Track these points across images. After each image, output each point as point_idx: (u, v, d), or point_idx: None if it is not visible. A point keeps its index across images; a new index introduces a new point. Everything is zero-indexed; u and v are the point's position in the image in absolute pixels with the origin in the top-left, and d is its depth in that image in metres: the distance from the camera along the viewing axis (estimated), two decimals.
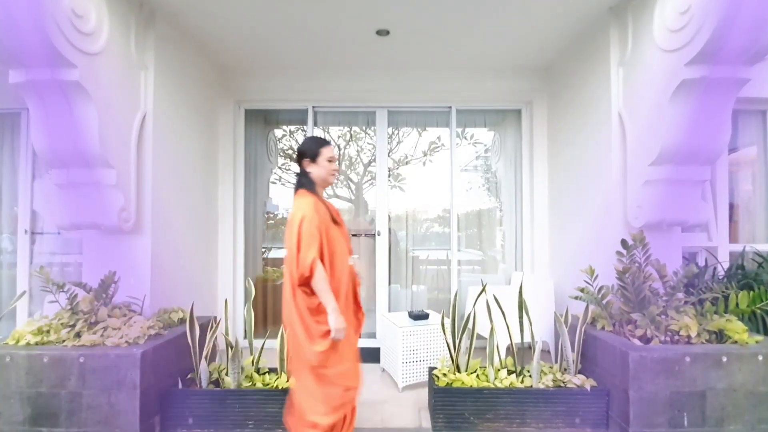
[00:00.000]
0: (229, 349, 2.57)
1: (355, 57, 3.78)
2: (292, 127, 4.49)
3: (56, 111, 2.34)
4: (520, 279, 3.13)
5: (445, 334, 2.82)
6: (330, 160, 2.07)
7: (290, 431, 2.03)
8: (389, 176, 4.33)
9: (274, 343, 2.75)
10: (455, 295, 2.87)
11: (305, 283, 1.90)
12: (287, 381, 2.58)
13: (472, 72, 4.02)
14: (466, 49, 3.62)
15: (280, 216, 4.62)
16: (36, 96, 2.30)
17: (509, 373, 2.69)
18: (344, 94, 4.10)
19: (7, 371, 2.26)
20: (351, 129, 4.47)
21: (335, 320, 1.86)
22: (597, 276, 2.69)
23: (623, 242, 2.62)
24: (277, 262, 4.57)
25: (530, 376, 2.63)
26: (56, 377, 2.26)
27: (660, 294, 2.58)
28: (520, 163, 4.23)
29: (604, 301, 2.69)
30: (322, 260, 1.90)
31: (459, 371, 2.69)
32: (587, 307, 2.69)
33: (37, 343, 2.37)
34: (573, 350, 2.67)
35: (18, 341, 2.39)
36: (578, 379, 2.55)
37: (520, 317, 2.74)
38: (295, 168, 4.46)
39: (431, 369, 2.74)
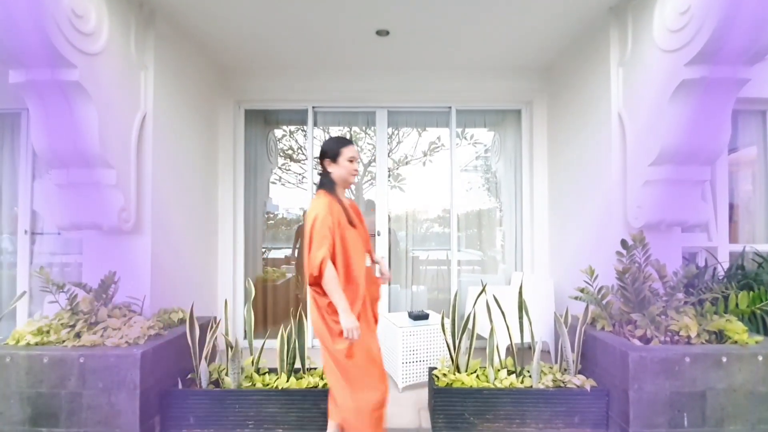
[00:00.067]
0: (229, 349, 2.57)
1: (355, 57, 3.78)
2: (292, 127, 4.49)
3: (56, 111, 2.34)
4: (520, 279, 3.13)
5: (445, 334, 2.82)
6: (350, 160, 2.06)
7: (329, 417, 2.10)
8: (389, 176, 4.33)
9: (274, 344, 2.75)
10: (455, 296, 2.87)
11: (315, 283, 1.92)
12: (286, 380, 2.58)
13: (472, 72, 4.02)
14: (466, 49, 3.62)
15: (280, 216, 4.62)
16: (36, 96, 2.30)
17: (509, 373, 2.69)
18: (344, 94, 4.10)
19: (7, 371, 2.27)
20: (351, 129, 4.47)
21: (346, 320, 1.84)
22: (597, 276, 2.69)
23: (623, 242, 2.62)
24: (277, 263, 4.57)
25: (530, 376, 2.63)
26: (56, 377, 2.26)
27: (660, 294, 2.58)
28: (520, 163, 4.23)
29: (604, 302, 2.69)
30: (334, 261, 1.91)
31: (459, 371, 2.69)
32: (587, 308, 2.69)
33: (37, 344, 2.37)
34: (573, 350, 2.67)
35: (18, 341, 2.39)
36: (578, 380, 2.55)
37: (520, 317, 2.74)
38: (295, 168, 4.52)
39: (431, 369, 2.74)
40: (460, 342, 2.73)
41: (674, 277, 2.54)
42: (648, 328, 2.43)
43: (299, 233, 4.39)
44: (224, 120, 4.03)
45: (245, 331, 2.79)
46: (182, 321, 2.86)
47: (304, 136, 4.36)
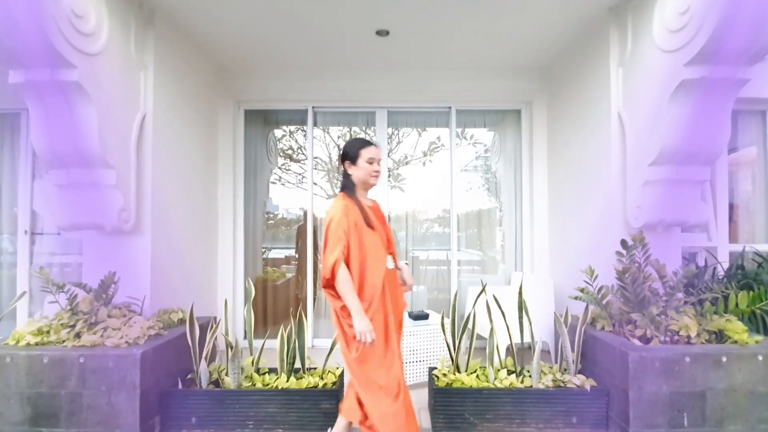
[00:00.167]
0: (229, 349, 2.57)
1: (355, 57, 3.78)
2: (292, 128, 4.49)
3: (56, 111, 2.34)
4: (520, 279, 3.13)
5: (444, 334, 2.82)
6: (370, 162, 2.02)
7: (340, 412, 2.10)
8: (389, 176, 4.33)
9: (274, 344, 2.75)
10: (455, 296, 2.87)
11: (328, 285, 1.93)
12: (286, 380, 2.58)
13: (472, 72, 4.02)
14: (466, 49, 3.62)
15: (280, 216, 4.62)
16: (36, 96, 2.30)
17: (509, 373, 2.69)
18: (344, 95, 4.10)
19: (7, 372, 2.26)
20: (351, 129, 4.47)
21: (359, 322, 1.83)
22: (597, 276, 2.69)
23: (623, 242, 2.62)
24: (277, 263, 4.57)
25: (530, 376, 2.63)
26: (56, 378, 2.26)
27: (660, 294, 2.58)
28: (520, 163, 4.24)
29: (603, 302, 2.69)
30: (348, 264, 1.91)
31: (459, 371, 2.69)
32: (587, 308, 2.69)
33: (37, 344, 2.37)
34: (573, 350, 2.67)
35: (18, 342, 2.39)
36: (578, 380, 2.55)
37: (520, 317, 2.74)
38: (295, 168, 4.52)
39: (431, 369, 2.74)
40: (460, 342, 2.73)
41: (674, 277, 2.54)
42: (648, 328, 2.43)
43: (300, 233, 4.39)
44: (224, 120, 4.03)
45: (245, 331, 2.79)
46: (182, 321, 2.86)
47: (304, 136, 4.36)
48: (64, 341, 2.39)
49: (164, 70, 2.99)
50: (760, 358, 2.26)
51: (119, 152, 2.62)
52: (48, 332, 2.44)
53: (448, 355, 2.79)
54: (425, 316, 3.28)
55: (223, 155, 4.03)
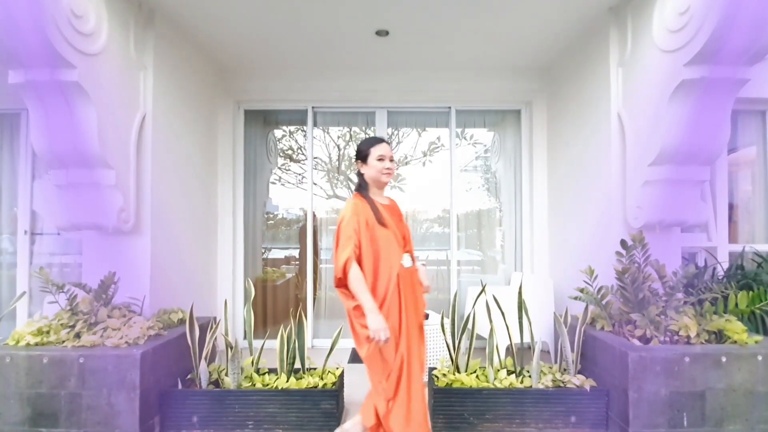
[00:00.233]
0: (229, 349, 2.57)
1: (355, 57, 3.78)
2: (292, 128, 4.49)
3: (56, 111, 2.34)
4: (520, 279, 3.13)
5: (444, 334, 2.82)
6: (380, 159, 2.02)
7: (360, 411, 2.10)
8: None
9: (273, 344, 2.75)
10: (455, 296, 2.87)
11: (340, 285, 1.94)
12: (286, 381, 2.58)
13: (471, 72, 4.02)
14: (466, 50, 3.62)
15: (279, 216, 4.62)
16: (35, 96, 2.30)
17: (509, 373, 2.69)
18: (344, 95, 4.10)
19: (7, 372, 2.26)
20: (351, 129, 4.47)
21: (373, 320, 1.81)
22: (596, 276, 2.69)
23: (622, 243, 2.62)
24: (277, 263, 4.57)
25: (530, 376, 2.63)
26: (56, 378, 2.26)
27: (659, 294, 2.58)
28: (520, 163, 4.24)
29: (603, 302, 2.69)
30: (360, 262, 1.91)
31: (458, 371, 2.69)
32: (587, 308, 2.69)
33: (36, 344, 2.36)
34: (572, 350, 2.67)
35: (18, 342, 2.39)
36: (578, 380, 2.55)
37: (520, 318, 2.74)
38: (295, 168, 4.52)
39: (431, 369, 2.74)
40: (459, 342, 2.73)
41: (674, 277, 2.54)
42: (647, 328, 2.43)
43: (302, 234, 4.38)
44: (224, 120, 4.03)
45: (245, 331, 2.79)
46: (182, 321, 2.86)
47: (304, 136, 4.36)
48: (63, 341, 2.39)
49: (164, 70, 2.99)
50: (760, 358, 2.26)
51: (119, 152, 2.62)
52: (48, 332, 2.44)
53: (448, 355, 2.79)
54: (425, 316, 3.27)
55: (223, 155, 4.03)
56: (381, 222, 1.99)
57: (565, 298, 3.23)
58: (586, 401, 2.47)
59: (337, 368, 2.73)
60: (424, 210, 4.49)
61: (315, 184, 4.29)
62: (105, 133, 2.46)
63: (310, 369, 2.74)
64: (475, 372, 2.70)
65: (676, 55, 2.36)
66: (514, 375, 2.66)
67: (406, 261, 2.04)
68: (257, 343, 2.88)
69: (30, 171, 3.64)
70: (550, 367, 2.74)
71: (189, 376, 2.65)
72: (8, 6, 1.96)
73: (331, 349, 2.75)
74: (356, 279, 1.87)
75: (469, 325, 2.72)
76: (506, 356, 2.95)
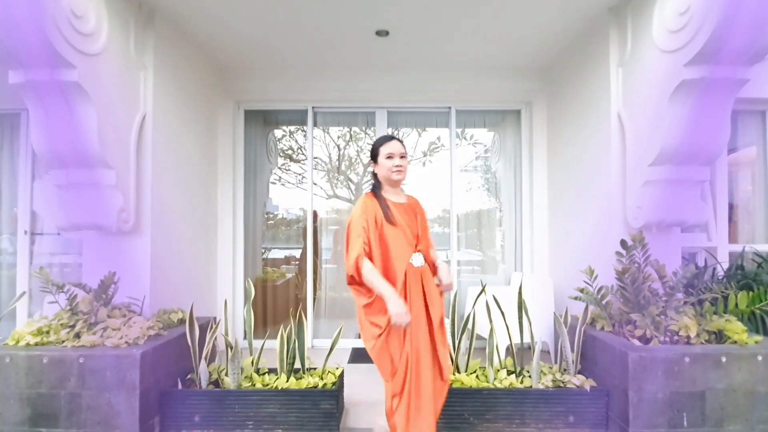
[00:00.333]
0: (229, 349, 2.57)
1: (355, 57, 3.78)
2: (292, 128, 4.49)
3: (56, 111, 2.34)
4: (520, 279, 3.13)
5: None
6: (389, 157, 2.02)
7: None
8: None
9: (273, 344, 2.75)
10: (455, 296, 2.86)
11: (353, 282, 1.96)
12: (286, 381, 2.58)
13: (471, 72, 4.02)
14: (466, 50, 3.62)
15: (279, 216, 4.62)
16: (35, 96, 2.30)
17: (509, 373, 2.69)
18: (344, 95, 4.10)
19: (7, 372, 2.26)
20: (351, 129, 4.47)
21: (393, 305, 1.82)
22: (596, 276, 2.69)
23: (623, 243, 2.62)
24: (277, 263, 4.57)
25: (530, 376, 2.63)
26: (56, 378, 2.26)
27: (659, 294, 2.58)
28: (520, 163, 4.24)
29: (603, 302, 2.69)
30: (369, 259, 1.94)
31: (459, 372, 2.69)
32: (587, 308, 2.69)
33: (36, 344, 2.36)
34: (572, 350, 2.67)
35: (18, 342, 2.39)
36: (578, 380, 2.55)
37: (520, 318, 2.74)
38: (295, 168, 4.52)
39: None
40: (459, 342, 2.73)
41: (674, 277, 2.54)
42: (647, 328, 2.43)
43: (303, 234, 4.38)
44: (224, 120, 4.03)
45: (245, 331, 2.79)
46: (182, 321, 2.86)
47: (304, 136, 4.36)
48: (63, 341, 2.39)
49: (164, 70, 2.99)
50: (760, 358, 2.26)
51: (119, 152, 2.62)
52: (47, 332, 2.44)
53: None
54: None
55: (222, 155, 4.03)
56: (390, 220, 2.00)
57: (565, 298, 3.23)
58: (586, 401, 2.47)
59: (337, 368, 2.73)
60: (424, 210, 4.49)
61: (315, 184, 4.29)
62: (105, 133, 2.46)
63: (310, 369, 2.74)
64: (475, 372, 2.70)
65: (676, 55, 2.36)
66: (514, 375, 2.66)
67: (416, 260, 2.04)
68: (257, 343, 2.88)
69: (30, 171, 3.64)
70: (550, 367, 2.74)
71: (189, 376, 2.65)
72: (8, 6, 1.96)
73: (331, 349, 2.75)
74: (370, 272, 1.89)
75: (469, 325, 2.72)
76: (506, 356, 2.95)
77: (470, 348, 2.75)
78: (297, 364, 2.71)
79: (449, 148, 4.25)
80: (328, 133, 4.46)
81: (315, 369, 2.74)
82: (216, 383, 2.62)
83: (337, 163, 4.54)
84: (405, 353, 1.94)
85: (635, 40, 2.75)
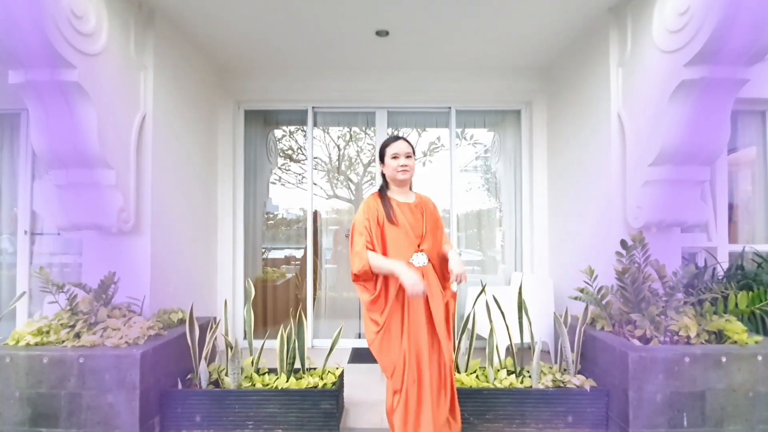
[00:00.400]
0: (229, 349, 2.57)
1: (355, 57, 3.78)
2: (292, 128, 4.49)
3: (56, 111, 2.34)
4: (520, 279, 3.13)
5: None
6: (394, 157, 2.05)
7: None
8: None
9: (273, 344, 2.75)
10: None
11: (357, 280, 2.01)
12: (286, 381, 2.58)
13: (471, 72, 4.02)
14: (466, 50, 3.62)
15: (279, 216, 4.62)
16: (35, 96, 2.30)
17: (509, 373, 2.69)
18: (344, 95, 4.10)
19: (7, 372, 2.26)
20: (351, 129, 4.47)
21: (405, 276, 1.86)
22: (596, 276, 2.69)
23: (623, 243, 2.62)
24: (277, 263, 4.57)
25: (530, 376, 2.63)
26: (56, 378, 2.26)
27: (659, 294, 2.58)
28: (520, 163, 4.24)
29: (603, 302, 2.69)
30: None
31: (459, 372, 2.69)
32: (587, 308, 2.69)
33: (36, 344, 2.37)
34: (572, 351, 2.67)
35: (18, 342, 2.39)
36: (578, 380, 2.55)
37: (520, 318, 2.74)
38: (295, 168, 4.52)
39: None
40: (459, 342, 2.73)
41: (674, 277, 2.54)
42: (647, 328, 2.43)
43: (303, 234, 4.39)
44: (224, 120, 4.03)
45: (245, 331, 2.79)
46: (182, 321, 2.86)
47: (304, 136, 4.36)
48: (63, 341, 2.39)
49: (164, 70, 2.99)
50: (760, 358, 2.26)
51: (119, 152, 2.62)
52: (48, 332, 2.44)
53: None
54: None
55: (223, 155, 4.03)
56: (390, 220, 2.02)
57: (565, 298, 3.23)
58: (586, 401, 2.47)
59: (337, 368, 2.73)
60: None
61: (315, 184, 4.29)
62: (105, 133, 2.46)
63: (310, 369, 2.74)
64: (475, 372, 2.70)
65: (676, 55, 2.36)
66: (514, 375, 2.66)
67: (418, 260, 2.04)
68: (257, 343, 2.88)
69: (30, 171, 3.64)
70: (550, 368, 2.74)
71: (189, 376, 2.65)
72: (8, 6, 1.96)
73: (331, 349, 2.75)
74: (374, 258, 1.94)
75: (469, 325, 2.73)
76: (506, 356, 2.95)
77: (470, 348, 2.75)
78: (297, 364, 2.71)
79: (449, 148, 4.25)
80: (328, 133, 4.46)
81: (315, 369, 2.74)
82: (216, 383, 2.62)
83: (337, 163, 4.54)
84: (402, 351, 1.95)
85: (635, 40, 2.75)
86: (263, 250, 4.48)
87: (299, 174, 4.47)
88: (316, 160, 4.35)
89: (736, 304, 2.67)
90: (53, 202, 2.63)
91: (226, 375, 2.62)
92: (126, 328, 2.47)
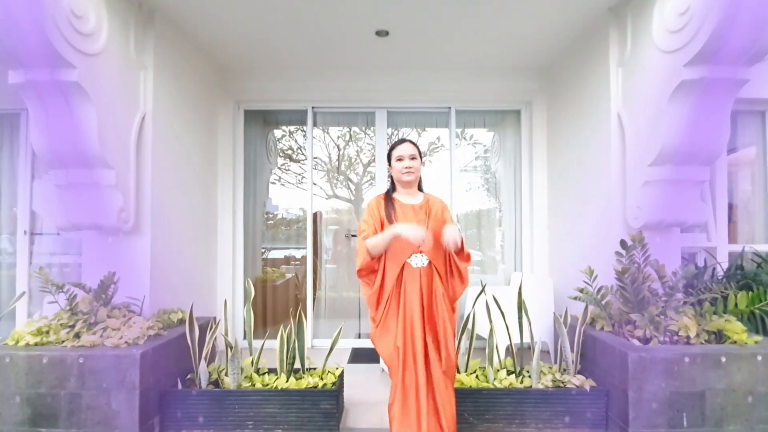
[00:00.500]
0: (229, 349, 2.57)
1: (355, 57, 3.78)
2: (292, 128, 4.49)
3: (55, 111, 2.34)
4: (520, 279, 3.13)
5: None
6: (399, 159, 2.12)
7: None
8: (389, 177, 4.32)
9: (273, 344, 2.75)
10: None
11: (361, 275, 2.09)
12: (286, 381, 2.58)
13: (471, 72, 4.02)
14: (466, 50, 3.62)
15: (279, 216, 4.62)
16: (35, 96, 2.30)
17: (508, 373, 2.70)
18: (344, 95, 4.10)
19: (7, 372, 2.26)
20: (350, 129, 4.47)
21: (403, 231, 1.91)
22: (596, 276, 2.69)
23: (622, 243, 2.63)
24: (277, 263, 4.57)
25: (529, 376, 2.63)
26: (56, 378, 2.26)
27: (659, 294, 2.58)
28: (520, 163, 4.24)
29: (603, 302, 2.69)
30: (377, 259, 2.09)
31: (458, 372, 2.69)
32: (586, 308, 2.69)
33: (36, 344, 2.36)
34: (572, 351, 2.67)
35: (17, 342, 2.39)
36: (577, 380, 2.55)
37: (520, 318, 2.74)
38: (295, 168, 4.52)
39: None
40: (459, 342, 2.73)
41: (673, 277, 2.54)
42: (647, 329, 2.43)
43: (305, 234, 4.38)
44: (224, 120, 4.03)
45: (245, 331, 2.79)
46: (182, 321, 2.86)
47: (304, 136, 4.36)
48: (63, 341, 2.39)
49: (164, 70, 2.99)
50: (759, 358, 2.26)
51: (119, 152, 2.62)
52: (47, 332, 2.44)
53: None
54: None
55: (222, 155, 4.03)
56: (390, 220, 2.07)
57: (564, 298, 3.23)
58: (585, 401, 2.47)
59: (337, 368, 2.73)
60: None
61: (315, 184, 4.29)
62: (105, 133, 2.46)
63: (310, 369, 2.74)
64: (474, 372, 2.70)
65: (675, 55, 2.36)
66: (513, 375, 2.66)
67: (416, 260, 2.06)
68: (257, 343, 2.88)
69: (30, 171, 3.64)
70: (550, 368, 2.74)
71: (189, 376, 2.65)
72: (8, 6, 1.95)
73: (331, 350, 2.75)
74: (371, 241, 2.00)
75: (469, 326, 2.72)
76: (506, 356, 2.95)
77: (470, 348, 2.75)
78: (297, 364, 2.71)
79: (449, 148, 4.25)
80: (327, 133, 4.46)
81: (315, 369, 2.74)
82: (216, 383, 2.62)
83: (336, 163, 4.54)
84: (396, 348, 2.00)
85: (635, 40, 2.75)
86: (263, 250, 4.48)
87: (299, 174, 4.47)
88: (315, 160, 4.35)
89: (736, 304, 2.67)
90: (53, 202, 2.63)
91: (226, 375, 2.62)
92: (126, 328, 2.47)
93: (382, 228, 2.07)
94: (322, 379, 2.62)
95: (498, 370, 2.69)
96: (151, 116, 2.85)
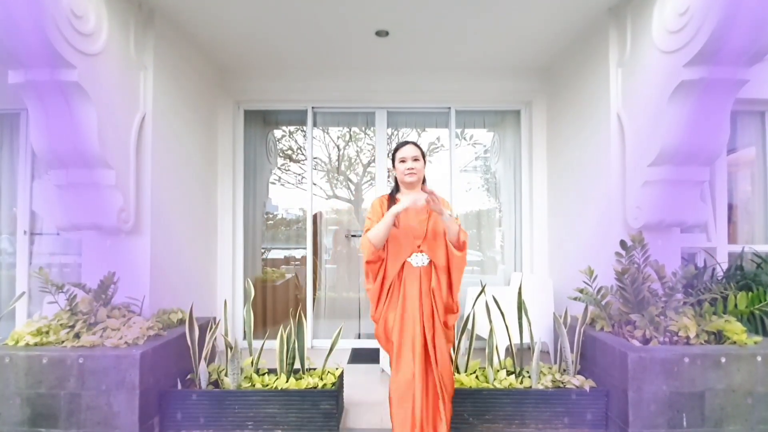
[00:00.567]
0: (229, 349, 2.57)
1: (355, 57, 3.78)
2: (292, 128, 4.49)
3: (55, 111, 2.34)
4: (520, 280, 3.13)
5: None
6: (402, 161, 2.13)
7: None
8: (388, 177, 4.33)
9: (273, 344, 2.75)
10: None
11: (368, 266, 2.11)
12: (286, 381, 2.58)
13: (471, 72, 4.02)
14: (466, 50, 3.62)
15: (279, 216, 4.62)
16: (35, 96, 2.30)
17: (508, 373, 2.69)
18: (344, 95, 4.10)
19: (7, 372, 2.26)
20: (350, 130, 4.47)
21: (403, 204, 1.96)
22: (596, 277, 2.69)
23: (622, 243, 2.63)
24: (277, 263, 4.57)
25: (529, 376, 2.63)
26: (55, 378, 2.26)
27: (659, 295, 2.58)
28: (520, 163, 4.24)
29: (603, 302, 2.69)
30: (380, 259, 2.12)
31: (458, 372, 2.69)
32: (586, 308, 2.69)
33: (36, 344, 2.36)
34: (572, 351, 2.67)
35: (17, 342, 2.39)
36: (577, 380, 2.55)
37: (520, 318, 2.74)
38: (295, 168, 4.52)
39: None
40: (459, 342, 2.73)
41: (673, 277, 2.54)
42: (647, 329, 2.43)
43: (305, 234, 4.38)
44: (224, 120, 4.03)
45: (245, 331, 2.79)
46: (182, 321, 2.86)
47: (304, 136, 4.36)
48: (63, 342, 2.38)
49: (164, 70, 2.99)
50: (759, 358, 2.26)
51: (119, 152, 2.62)
52: (47, 333, 2.44)
53: None
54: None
55: (222, 155, 4.03)
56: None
57: (564, 298, 3.23)
58: (585, 402, 2.47)
59: (337, 369, 2.73)
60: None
61: (315, 184, 4.29)
62: (105, 133, 2.46)
63: (310, 369, 2.74)
64: (474, 372, 2.70)
65: (675, 55, 2.36)
66: (513, 375, 2.66)
67: (416, 260, 2.08)
68: (257, 344, 2.88)
69: (30, 171, 3.64)
70: (550, 368, 2.74)
71: (189, 377, 2.65)
72: (8, 6, 1.95)
73: (331, 350, 2.75)
74: (372, 232, 2.02)
75: (469, 326, 2.72)
76: (506, 357, 2.95)
77: (470, 348, 2.75)
78: (297, 365, 2.71)
79: (449, 149, 4.25)
80: (327, 133, 4.46)
81: (315, 369, 2.74)
82: (216, 383, 2.62)
83: (336, 163, 4.54)
84: (390, 343, 2.06)
85: (635, 41, 2.75)
86: (263, 251, 4.48)
87: (299, 174, 4.47)
88: (315, 160, 4.35)
89: (736, 305, 2.67)
90: (53, 202, 2.63)
91: (226, 375, 2.62)
92: (125, 328, 2.47)
93: None
94: (321, 379, 2.62)
95: (498, 371, 2.69)
96: (151, 116, 2.85)
